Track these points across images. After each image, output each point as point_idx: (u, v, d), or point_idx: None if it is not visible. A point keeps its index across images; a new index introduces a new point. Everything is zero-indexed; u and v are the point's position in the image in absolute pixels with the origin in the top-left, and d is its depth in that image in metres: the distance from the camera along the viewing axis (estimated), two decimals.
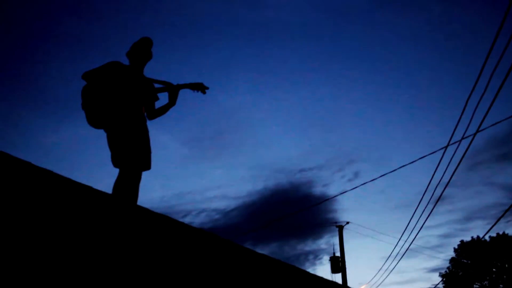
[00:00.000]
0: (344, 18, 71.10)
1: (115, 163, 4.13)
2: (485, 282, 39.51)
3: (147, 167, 4.29)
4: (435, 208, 17.22)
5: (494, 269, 39.21)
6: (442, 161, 10.86)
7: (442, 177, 11.20)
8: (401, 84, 73.02)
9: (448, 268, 41.79)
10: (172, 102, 4.66)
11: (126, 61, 4.54)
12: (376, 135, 74.94)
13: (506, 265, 38.56)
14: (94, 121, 4.20)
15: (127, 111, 4.21)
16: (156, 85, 4.71)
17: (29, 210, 2.72)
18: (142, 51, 4.48)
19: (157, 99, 4.68)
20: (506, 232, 39.43)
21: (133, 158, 4.10)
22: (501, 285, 38.77)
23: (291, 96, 76.72)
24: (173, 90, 4.66)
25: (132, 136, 4.15)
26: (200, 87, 4.77)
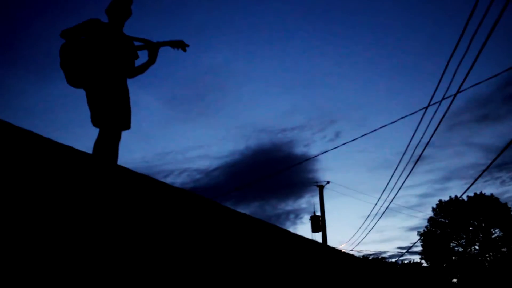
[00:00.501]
0: None
1: (95, 122, 4.10)
2: (462, 241, 40.47)
3: (127, 126, 4.26)
4: (414, 168, 17.48)
5: (471, 228, 40.12)
6: (422, 121, 10.98)
7: (422, 137, 11.36)
8: (383, 44, 72.97)
9: (426, 227, 42.66)
10: (151, 60, 4.60)
11: (105, 19, 4.46)
12: (357, 95, 75.33)
13: (483, 224, 39.47)
14: (73, 81, 4.14)
15: (106, 69, 4.16)
16: (136, 43, 4.64)
17: (6, 170, 2.70)
18: (121, 8, 4.39)
19: (137, 57, 4.61)
20: (484, 192, 40.25)
21: (112, 117, 4.07)
22: (477, 244, 39.76)
23: (273, 56, 76.37)
24: (153, 48, 4.60)
25: (111, 95, 4.11)
26: (180, 45, 4.71)
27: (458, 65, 8.48)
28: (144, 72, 4.62)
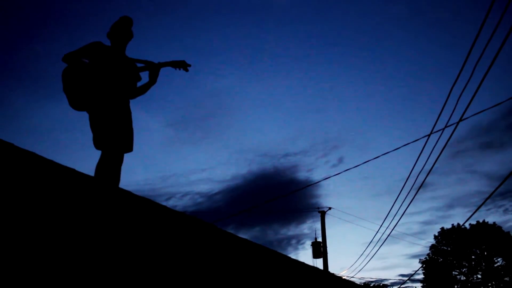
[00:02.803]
0: (331, 3, 71.01)
1: (97, 145, 4.08)
2: (464, 269, 40.09)
3: (129, 149, 4.25)
4: (417, 195, 17.38)
5: (473, 257, 39.77)
6: (425, 148, 10.94)
7: (424, 165, 11.30)
8: (386, 71, 73.31)
9: (428, 254, 42.33)
10: (152, 80, 4.58)
11: (108, 42, 4.47)
12: (360, 122, 75.38)
13: (485, 253, 39.12)
14: (76, 104, 4.14)
15: (109, 92, 4.16)
16: (138, 65, 4.63)
17: (9, 193, 2.68)
18: (122, 31, 4.40)
19: (140, 79, 4.61)
20: (486, 220, 40.00)
21: (114, 140, 4.05)
22: (479, 272, 39.37)
23: (277, 81, 76.62)
24: (154, 69, 4.58)
25: (114, 117, 4.10)
26: (182, 65, 4.69)
27: (461, 93, 8.49)
28: (145, 92, 4.61)
